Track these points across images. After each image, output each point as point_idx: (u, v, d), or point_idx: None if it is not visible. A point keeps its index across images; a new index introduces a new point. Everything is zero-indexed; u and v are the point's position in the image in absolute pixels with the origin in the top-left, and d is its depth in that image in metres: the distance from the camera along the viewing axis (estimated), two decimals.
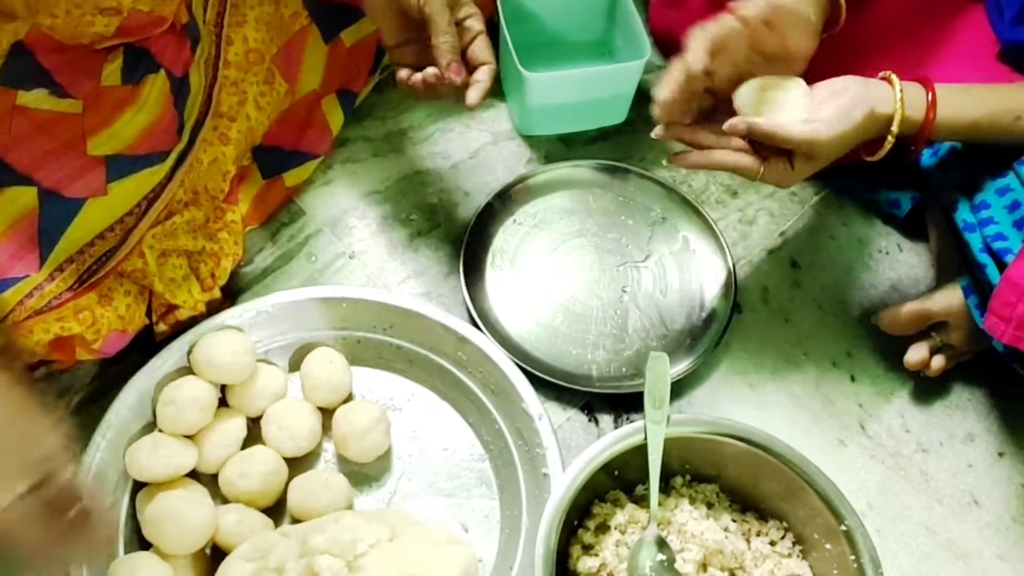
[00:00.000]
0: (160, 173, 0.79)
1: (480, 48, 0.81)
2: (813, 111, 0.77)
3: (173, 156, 0.82)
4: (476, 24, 0.81)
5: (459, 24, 0.80)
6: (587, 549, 0.77)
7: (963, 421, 0.93)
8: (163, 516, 0.76)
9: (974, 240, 0.83)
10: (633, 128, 1.10)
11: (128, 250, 0.78)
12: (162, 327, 0.85)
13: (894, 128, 0.77)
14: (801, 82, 0.79)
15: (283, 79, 0.94)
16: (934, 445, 0.92)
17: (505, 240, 1.01)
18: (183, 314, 0.85)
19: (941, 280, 0.97)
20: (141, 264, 0.80)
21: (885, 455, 0.91)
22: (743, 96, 0.79)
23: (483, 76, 0.80)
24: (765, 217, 1.05)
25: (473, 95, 0.79)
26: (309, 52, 0.97)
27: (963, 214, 0.86)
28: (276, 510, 0.82)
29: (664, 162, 0.87)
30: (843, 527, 0.73)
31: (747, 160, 0.78)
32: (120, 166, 0.76)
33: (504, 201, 1.02)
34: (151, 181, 0.78)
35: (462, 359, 0.88)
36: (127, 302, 0.81)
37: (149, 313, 0.85)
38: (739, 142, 0.79)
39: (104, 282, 0.79)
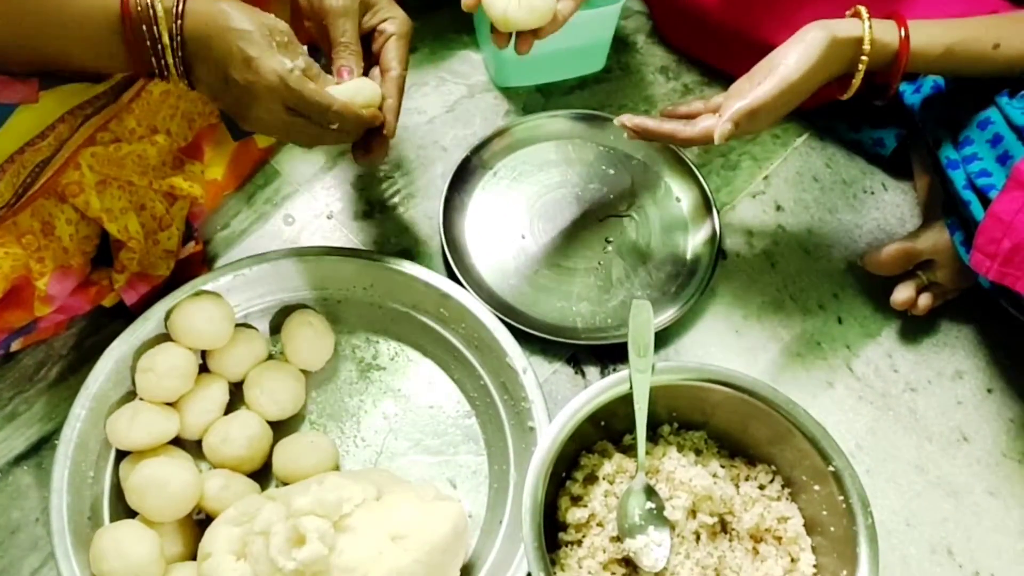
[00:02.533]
0: (96, 89, 0.77)
1: (389, 52, 0.79)
2: (775, 56, 0.77)
3: (117, 76, 0.79)
4: (390, 28, 0.79)
5: (371, 33, 0.79)
6: (576, 500, 0.77)
7: (951, 358, 0.93)
8: (147, 484, 0.75)
9: (958, 177, 0.82)
10: (611, 76, 1.08)
11: (62, 161, 0.76)
12: (119, 278, 0.83)
13: (865, 49, 0.76)
14: None
15: None
16: (922, 383, 0.92)
17: (485, 194, 0.99)
18: (135, 263, 0.83)
19: (927, 218, 0.96)
20: (77, 177, 0.78)
21: (874, 395, 0.91)
22: None
23: (388, 99, 0.78)
24: (748, 161, 1.03)
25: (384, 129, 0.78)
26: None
27: (946, 151, 0.84)
28: (262, 474, 0.82)
29: (616, 122, 0.86)
30: (831, 468, 0.73)
31: (722, 126, 0.78)
32: (56, 77, 0.74)
33: (482, 155, 1.01)
34: (87, 93, 0.75)
35: (444, 315, 0.87)
36: (69, 232, 0.79)
37: (110, 263, 0.83)
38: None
39: (42, 201, 0.77)
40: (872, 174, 1.03)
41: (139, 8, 0.67)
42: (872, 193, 1.02)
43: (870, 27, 0.76)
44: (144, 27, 0.68)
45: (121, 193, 0.81)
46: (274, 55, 0.70)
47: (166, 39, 0.68)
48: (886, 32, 0.77)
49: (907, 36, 0.77)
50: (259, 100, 0.70)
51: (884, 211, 1.01)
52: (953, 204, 0.85)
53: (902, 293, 0.91)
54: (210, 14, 0.69)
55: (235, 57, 0.69)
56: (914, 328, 0.94)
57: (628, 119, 0.84)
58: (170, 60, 0.69)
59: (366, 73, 0.79)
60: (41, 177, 0.74)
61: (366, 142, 0.78)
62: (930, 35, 0.77)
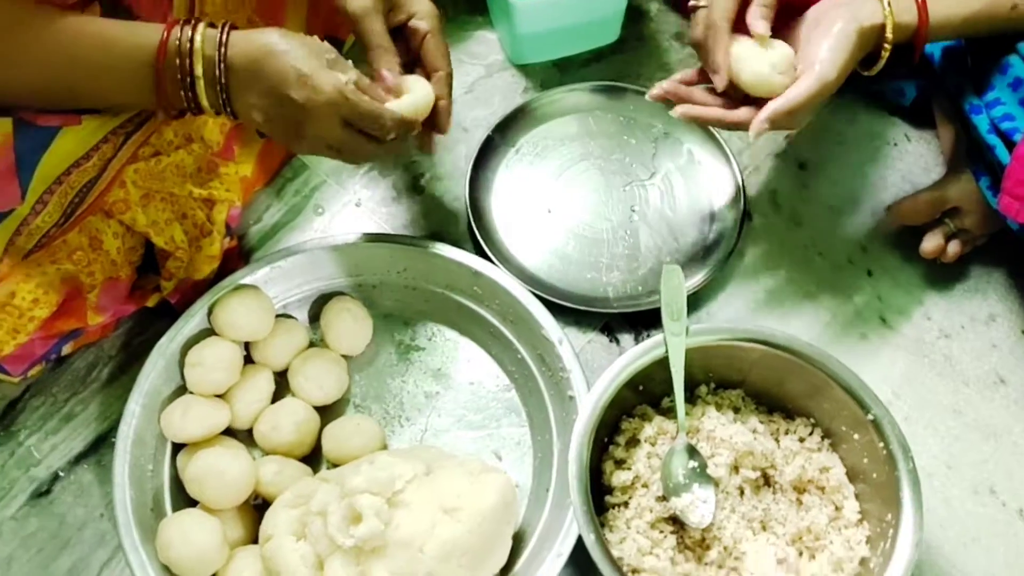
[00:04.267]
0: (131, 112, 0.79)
1: (430, 51, 0.80)
2: (808, 53, 0.77)
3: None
4: (422, 25, 0.80)
5: (403, 28, 0.80)
6: (619, 464, 0.79)
7: (984, 303, 0.93)
8: (204, 473, 0.78)
9: (981, 122, 0.83)
10: (626, 46, 1.09)
11: (108, 180, 0.79)
12: (167, 285, 0.85)
13: (888, 36, 0.76)
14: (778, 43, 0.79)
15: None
16: (956, 329, 0.92)
17: (509, 172, 1.01)
18: (182, 271, 0.85)
19: (951, 166, 0.96)
20: (123, 195, 0.80)
21: (908, 344, 0.91)
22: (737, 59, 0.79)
23: (441, 100, 0.80)
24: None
25: (433, 137, 0.81)
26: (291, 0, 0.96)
27: (968, 97, 0.85)
28: (313, 457, 0.84)
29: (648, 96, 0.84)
30: (870, 417, 0.74)
31: (758, 124, 0.77)
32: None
33: (504, 133, 1.02)
34: (126, 114, 0.78)
35: (478, 293, 0.89)
36: (116, 245, 0.82)
37: (156, 269, 0.86)
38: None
39: (90, 218, 0.79)
40: (894, 125, 1.03)
41: (177, 43, 0.69)
42: (895, 144, 1.02)
43: (891, 11, 0.76)
44: (178, 61, 0.69)
45: (164, 205, 0.83)
46: (328, 71, 0.71)
47: (199, 71, 0.70)
48: (906, 12, 0.77)
49: (926, 14, 0.77)
50: (317, 117, 0.71)
51: (908, 162, 1.01)
52: (978, 150, 0.86)
53: (931, 241, 0.91)
54: (256, 40, 0.71)
55: (290, 76, 0.70)
56: (945, 275, 0.94)
57: (680, 106, 0.82)
58: (202, 92, 0.71)
59: (409, 69, 0.80)
60: (89, 197, 0.77)
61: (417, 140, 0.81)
62: (948, 7, 0.77)
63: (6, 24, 0.68)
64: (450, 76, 0.81)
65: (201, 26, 0.71)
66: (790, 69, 0.78)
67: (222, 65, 0.70)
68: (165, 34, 0.70)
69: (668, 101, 0.83)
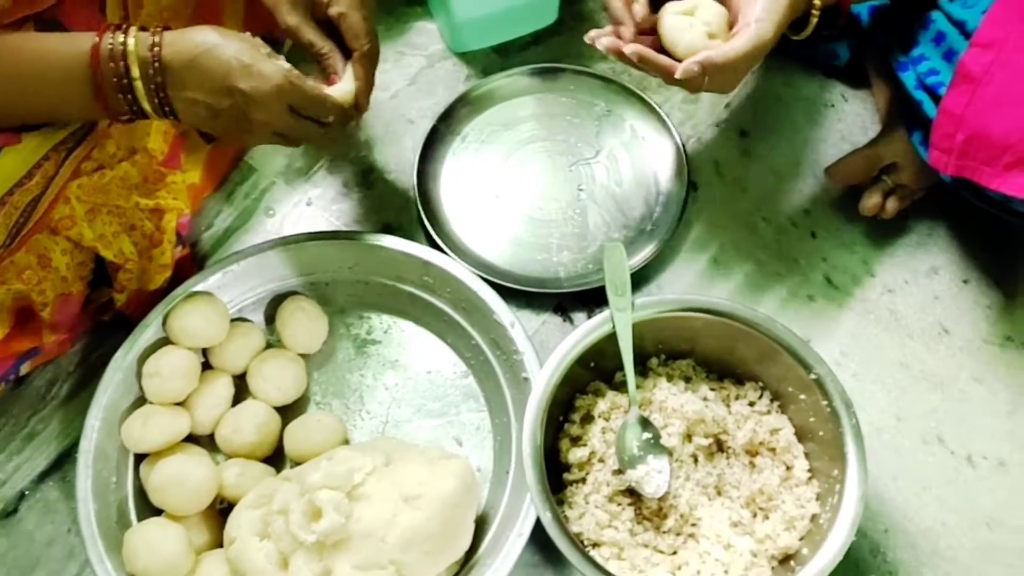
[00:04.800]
0: (76, 123, 0.79)
1: (345, 32, 0.80)
2: (744, 13, 0.76)
3: None
4: (337, 9, 0.80)
5: (331, 17, 0.80)
6: (575, 441, 0.80)
7: (926, 256, 0.95)
8: (167, 481, 0.78)
9: (908, 78, 0.84)
10: (564, 27, 1.10)
11: (52, 197, 0.79)
12: (119, 297, 0.86)
13: (816, 0, 0.77)
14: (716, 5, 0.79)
15: None
16: (899, 284, 0.94)
17: (456, 160, 1.01)
18: (135, 283, 0.86)
19: (886, 124, 0.97)
20: (68, 211, 0.80)
21: (853, 302, 0.93)
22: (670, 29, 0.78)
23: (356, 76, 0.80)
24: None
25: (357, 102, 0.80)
26: (227, 6, 0.96)
27: (895, 54, 0.86)
28: (276, 458, 0.85)
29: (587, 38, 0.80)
30: (813, 376, 0.76)
31: (690, 80, 0.76)
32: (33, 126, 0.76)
33: (449, 122, 1.03)
34: (67, 128, 0.78)
35: (429, 283, 0.90)
36: (65, 261, 0.82)
37: (108, 283, 0.86)
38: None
39: (36, 237, 0.80)
40: (831, 87, 1.04)
41: (110, 47, 0.69)
42: (832, 106, 1.03)
43: None
44: (112, 65, 0.69)
45: (111, 218, 0.84)
46: (269, 60, 0.72)
47: (136, 73, 0.70)
48: None
49: None
50: (265, 104, 0.72)
51: (846, 122, 1.02)
52: (908, 106, 0.87)
53: (870, 199, 0.93)
54: (192, 38, 0.71)
55: (233, 68, 0.71)
56: (886, 232, 0.96)
57: (613, 43, 0.78)
58: (141, 95, 0.71)
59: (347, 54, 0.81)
60: (34, 215, 0.77)
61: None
62: None
63: None
64: (365, 55, 0.80)
65: (133, 29, 0.70)
66: (724, 30, 0.78)
67: (157, 64, 0.70)
68: (97, 39, 0.70)
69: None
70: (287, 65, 0.74)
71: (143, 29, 0.71)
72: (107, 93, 0.71)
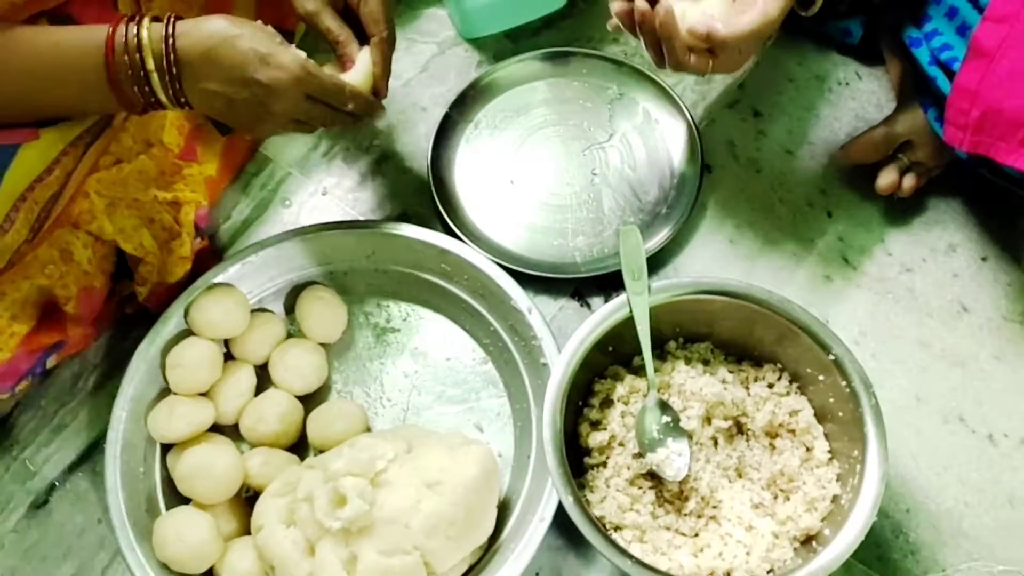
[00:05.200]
0: (91, 118, 0.80)
1: (364, 18, 0.80)
2: None
3: None
4: None
5: (350, 3, 0.81)
6: (595, 425, 0.81)
7: (943, 233, 0.95)
8: (194, 471, 0.80)
9: (922, 54, 0.83)
10: (575, 10, 1.09)
11: (72, 192, 0.80)
12: (141, 290, 0.87)
13: None
14: None
15: None
16: (917, 262, 0.94)
17: (470, 147, 1.01)
18: (155, 275, 0.86)
19: (901, 101, 0.97)
20: (88, 205, 0.81)
21: (871, 282, 0.93)
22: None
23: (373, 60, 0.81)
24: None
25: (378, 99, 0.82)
26: None
27: (908, 30, 0.85)
28: (299, 446, 0.86)
29: (609, 26, 0.81)
30: (831, 357, 0.76)
31: (695, 59, 0.76)
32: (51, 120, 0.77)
33: (461, 109, 1.03)
34: (84, 123, 0.79)
35: (446, 270, 0.90)
36: (87, 255, 0.83)
37: (130, 275, 0.87)
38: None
39: (58, 231, 0.81)
40: (844, 65, 1.04)
41: (124, 39, 0.70)
42: (847, 84, 1.03)
43: None
44: (127, 58, 0.70)
45: (130, 212, 0.84)
46: (286, 49, 0.72)
47: (151, 65, 0.70)
48: None
49: None
50: (283, 94, 0.73)
51: (860, 100, 1.02)
52: (923, 82, 0.87)
53: (886, 177, 0.92)
54: (206, 28, 0.71)
55: (250, 58, 0.71)
56: (903, 210, 0.96)
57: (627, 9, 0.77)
58: (156, 86, 0.71)
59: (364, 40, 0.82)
60: (54, 210, 0.78)
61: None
62: None
63: None
64: (384, 41, 0.81)
65: (146, 20, 0.71)
66: (727, 14, 0.77)
67: (172, 56, 0.71)
68: (111, 31, 0.71)
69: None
70: (303, 54, 0.74)
71: (156, 19, 0.72)
72: (122, 85, 0.71)
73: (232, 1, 0.95)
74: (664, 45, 0.77)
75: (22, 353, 0.83)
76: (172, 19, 0.71)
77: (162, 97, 0.72)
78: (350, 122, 0.81)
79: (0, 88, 0.71)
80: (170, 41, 0.70)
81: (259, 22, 0.75)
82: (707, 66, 0.77)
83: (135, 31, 0.70)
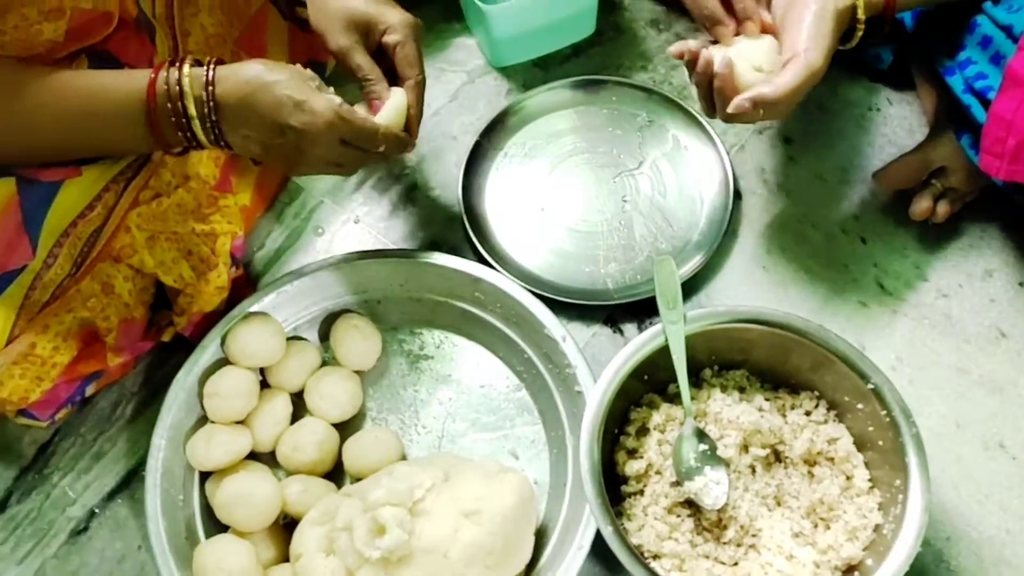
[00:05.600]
0: (132, 155, 0.81)
1: (399, 61, 0.82)
2: (789, 39, 0.77)
3: None
4: (393, 37, 0.81)
5: (383, 47, 0.82)
6: (632, 453, 0.81)
7: (979, 259, 0.94)
8: (233, 499, 0.80)
9: (956, 82, 0.84)
10: (603, 38, 1.10)
11: (114, 227, 0.81)
12: (180, 320, 0.88)
13: (860, 16, 0.77)
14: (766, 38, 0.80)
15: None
16: (953, 288, 0.93)
17: (500, 174, 1.02)
18: (194, 306, 0.87)
19: (934, 127, 0.97)
20: (129, 239, 0.83)
21: (907, 308, 0.93)
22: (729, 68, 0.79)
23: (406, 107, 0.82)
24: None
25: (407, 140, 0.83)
26: (271, 30, 0.97)
27: (942, 59, 0.85)
28: (335, 473, 0.87)
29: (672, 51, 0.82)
30: (870, 386, 0.75)
31: (746, 116, 0.78)
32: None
33: (491, 138, 1.04)
34: (125, 160, 0.80)
35: (480, 298, 0.91)
36: (128, 288, 0.84)
37: (168, 305, 0.89)
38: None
39: (100, 265, 0.82)
40: (875, 91, 1.04)
41: (166, 86, 0.71)
42: (878, 110, 1.03)
43: None
44: (169, 104, 0.71)
45: (169, 245, 0.86)
46: (320, 95, 0.74)
47: (192, 111, 0.72)
48: None
49: None
50: (317, 140, 0.74)
51: (892, 126, 1.02)
52: (956, 109, 0.87)
53: (920, 203, 0.92)
54: (243, 75, 0.73)
55: (285, 104, 0.72)
56: (938, 235, 0.95)
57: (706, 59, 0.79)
58: (198, 130, 0.73)
59: (392, 80, 0.83)
60: (97, 245, 0.80)
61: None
62: None
63: (1, 89, 0.70)
64: (419, 83, 0.82)
65: (186, 67, 0.72)
66: (775, 62, 0.78)
67: (212, 103, 0.72)
68: (153, 76, 0.72)
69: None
70: (337, 99, 0.75)
71: (197, 63, 0.73)
72: (163, 129, 0.73)
73: (265, 37, 0.97)
74: (716, 100, 0.80)
75: (62, 382, 0.84)
76: (212, 64, 0.73)
77: (203, 140, 0.74)
78: (382, 161, 0.82)
79: (44, 131, 0.73)
80: (210, 88, 0.72)
81: (297, 66, 0.76)
82: (757, 118, 0.79)
83: (176, 77, 0.72)
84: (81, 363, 0.85)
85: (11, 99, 0.71)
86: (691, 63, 0.80)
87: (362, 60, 0.82)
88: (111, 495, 0.89)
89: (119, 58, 0.79)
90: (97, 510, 0.88)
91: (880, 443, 0.76)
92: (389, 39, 0.81)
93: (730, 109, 0.77)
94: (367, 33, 0.82)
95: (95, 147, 0.76)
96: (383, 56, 0.83)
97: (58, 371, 0.83)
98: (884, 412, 0.75)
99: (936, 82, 0.93)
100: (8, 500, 0.89)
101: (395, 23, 0.82)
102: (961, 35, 0.83)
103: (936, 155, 0.91)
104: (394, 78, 0.83)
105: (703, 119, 1.01)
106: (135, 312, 0.86)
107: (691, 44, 0.80)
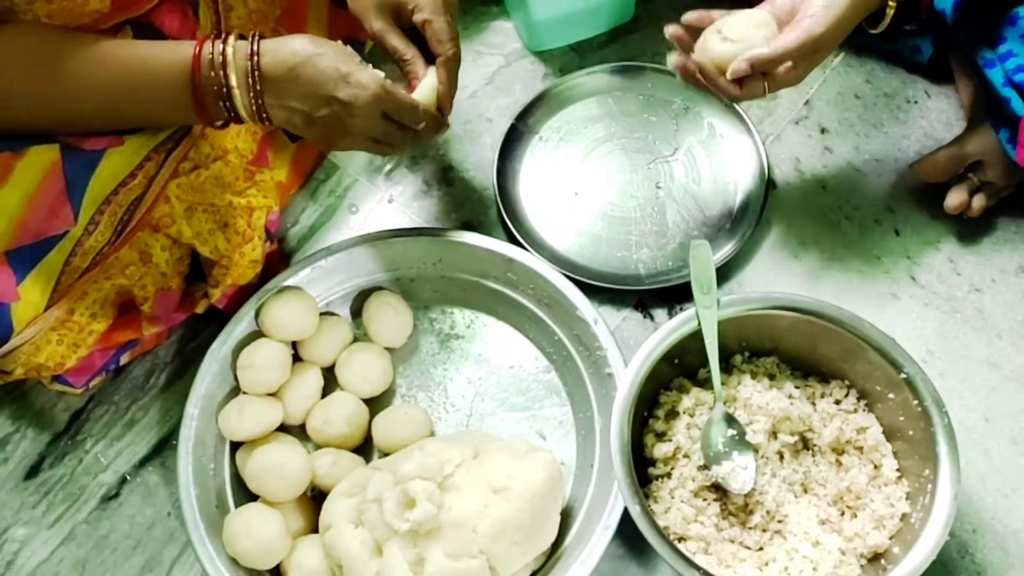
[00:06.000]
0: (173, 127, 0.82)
1: (430, 38, 0.82)
2: (803, 9, 0.77)
3: None
4: (422, 15, 0.81)
5: (416, 25, 0.82)
6: (660, 436, 0.81)
7: (1013, 254, 0.94)
8: (263, 470, 0.81)
9: (995, 75, 0.83)
10: (641, 24, 1.10)
11: (154, 196, 0.82)
12: (214, 292, 0.89)
13: None
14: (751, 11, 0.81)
15: None
16: (986, 282, 0.93)
17: (534, 158, 1.03)
18: (228, 278, 0.88)
19: (972, 120, 0.96)
20: (168, 209, 0.84)
21: (939, 301, 0.92)
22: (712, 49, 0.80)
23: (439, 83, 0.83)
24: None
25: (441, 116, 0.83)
26: (312, 8, 0.98)
27: (982, 51, 0.85)
28: (364, 447, 0.88)
29: (671, 65, 0.85)
30: (903, 376, 0.75)
31: (746, 88, 0.79)
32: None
33: (527, 120, 1.04)
34: (167, 130, 0.81)
35: (512, 279, 0.91)
36: (165, 257, 0.85)
37: (202, 277, 0.90)
38: None
39: (139, 234, 0.83)
40: (913, 83, 1.03)
41: (210, 56, 0.72)
42: (916, 102, 1.02)
43: None
44: (212, 74, 0.72)
45: (207, 216, 0.87)
46: (364, 68, 0.74)
47: (234, 82, 0.73)
48: None
49: None
50: (361, 111, 0.75)
51: (929, 118, 1.01)
52: (995, 103, 0.86)
53: (955, 197, 0.92)
54: (288, 47, 0.74)
55: (331, 77, 0.73)
56: (972, 230, 0.95)
57: (681, 63, 0.82)
58: (239, 103, 0.74)
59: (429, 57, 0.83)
60: (136, 214, 0.81)
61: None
62: None
63: (48, 57, 0.71)
64: (450, 60, 0.82)
65: (231, 38, 0.73)
66: (751, 35, 0.79)
67: (256, 74, 0.73)
68: (198, 49, 0.73)
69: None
70: (381, 73, 0.76)
71: (241, 37, 0.74)
72: (206, 100, 0.74)
73: (306, 14, 0.98)
74: (712, 88, 0.81)
75: (98, 350, 0.85)
76: (256, 37, 0.74)
77: (243, 113, 0.75)
78: (418, 141, 0.83)
79: (88, 100, 0.74)
80: (254, 59, 0.73)
81: (339, 42, 0.77)
82: (762, 89, 0.79)
83: (221, 48, 0.73)
84: (117, 331, 0.86)
85: (56, 67, 0.72)
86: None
87: (397, 42, 0.83)
88: (142, 462, 0.90)
89: (163, 30, 0.80)
90: (128, 477, 0.89)
91: (910, 433, 0.76)
92: (418, 17, 0.82)
93: (728, 75, 0.77)
94: (398, 14, 0.83)
95: (139, 117, 0.77)
96: (419, 36, 0.84)
97: (94, 338, 0.84)
98: (916, 402, 0.75)
99: (975, 75, 0.92)
100: (41, 465, 0.90)
101: (422, 1, 0.83)
102: (1002, 27, 0.83)
103: (973, 148, 0.90)
104: (431, 56, 0.84)
105: (739, 108, 1.01)
106: (171, 282, 0.87)
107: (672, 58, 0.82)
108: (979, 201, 0.92)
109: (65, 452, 0.91)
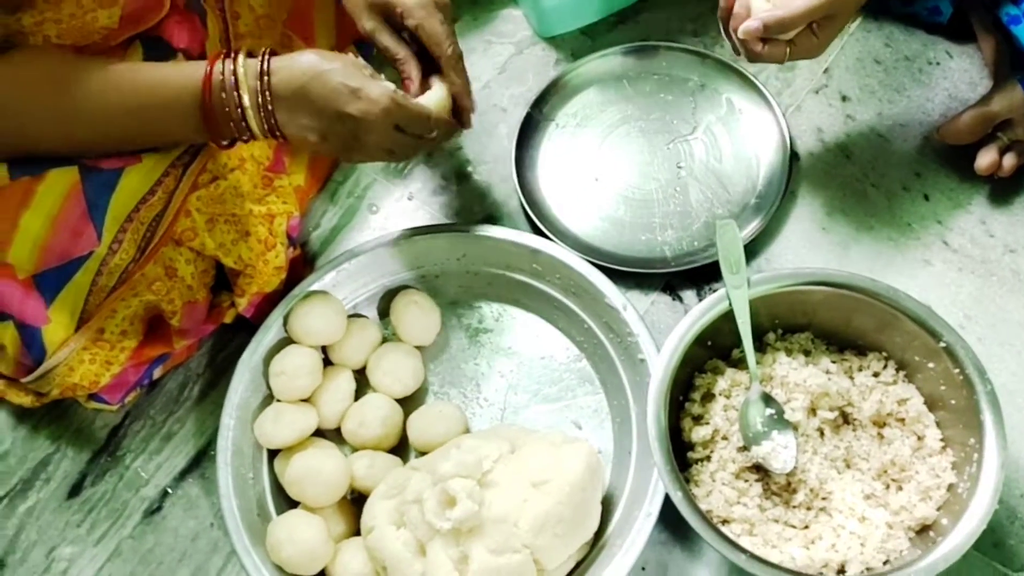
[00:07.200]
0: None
1: (424, 41, 0.82)
2: None
3: None
4: (411, 21, 0.81)
5: (410, 29, 0.82)
6: (697, 420, 0.80)
7: None
8: (302, 476, 0.81)
9: (1021, 32, 0.81)
10: (650, 4, 1.09)
11: (175, 211, 0.82)
12: (241, 301, 0.89)
13: None
14: None
15: (300, 41, 0.96)
16: (1021, 243, 0.91)
17: (552, 145, 1.02)
18: (253, 286, 0.88)
19: (997, 79, 0.94)
20: (189, 223, 0.84)
21: (974, 264, 0.91)
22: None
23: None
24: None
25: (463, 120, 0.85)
26: (319, 10, 0.98)
27: (1006, 7, 0.83)
28: (400, 448, 0.88)
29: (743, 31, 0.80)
30: (942, 344, 0.74)
31: (768, 49, 0.78)
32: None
33: (542, 108, 1.03)
34: (183, 145, 0.82)
35: (538, 270, 0.91)
36: (190, 271, 0.86)
37: (228, 287, 0.90)
38: None
39: (162, 249, 0.83)
40: (934, 44, 1.01)
41: (221, 76, 0.72)
42: (938, 64, 1.00)
43: None
44: (224, 94, 0.72)
45: (228, 227, 0.87)
46: (375, 82, 0.74)
47: (247, 101, 0.73)
48: None
49: None
50: (373, 126, 0.75)
51: (953, 79, 0.99)
52: (1020, 59, 0.84)
53: (985, 158, 0.90)
54: (298, 65, 0.74)
55: (342, 92, 0.73)
56: (1003, 190, 0.93)
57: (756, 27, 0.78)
58: (252, 120, 0.74)
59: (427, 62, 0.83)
60: (159, 229, 0.81)
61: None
62: None
63: (59, 84, 0.71)
64: (450, 59, 0.82)
65: (241, 57, 0.73)
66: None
67: (267, 93, 0.73)
68: (208, 69, 0.73)
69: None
70: (391, 85, 0.76)
71: (250, 55, 0.74)
72: (217, 120, 0.74)
73: (313, 19, 0.97)
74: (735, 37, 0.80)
75: (130, 366, 0.86)
76: (267, 55, 0.74)
77: (257, 131, 0.75)
78: (433, 147, 0.83)
79: (100, 125, 0.74)
80: (265, 79, 0.73)
81: (349, 55, 0.77)
82: (783, 54, 0.78)
83: (231, 68, 0.73)
84: (148, 347, 0.87)
85: (68, 94, 0.72)
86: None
87: (388, 42, 0.83)
88: (182, 475, 0.91)
89: (171, 42, 0.80)
90: (169, 490, 0.90)
91: (952, 402, 0.75)
92: (410, 23, 0.82)
93: (740, 33, 0.77)
94: (387, 16, 0.83)
95: (151, 138, 0.78)
96: (415, 37, 0.84)
97: (126, 355, 0.84)
98: (957, 370, 0.73)
99: (999, 32, 0.90)
100: (83, 483, 0.91)
101: (409, 5, 0.82)
102: None
103: (1001, 107, 0.88)
104: (431, 57, 0.83)
105: (758, 81, 0.99)
106: (198, 294, 0.87)
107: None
108: (1010, 160, 0.90)
109: (106, 469, 0.91)
